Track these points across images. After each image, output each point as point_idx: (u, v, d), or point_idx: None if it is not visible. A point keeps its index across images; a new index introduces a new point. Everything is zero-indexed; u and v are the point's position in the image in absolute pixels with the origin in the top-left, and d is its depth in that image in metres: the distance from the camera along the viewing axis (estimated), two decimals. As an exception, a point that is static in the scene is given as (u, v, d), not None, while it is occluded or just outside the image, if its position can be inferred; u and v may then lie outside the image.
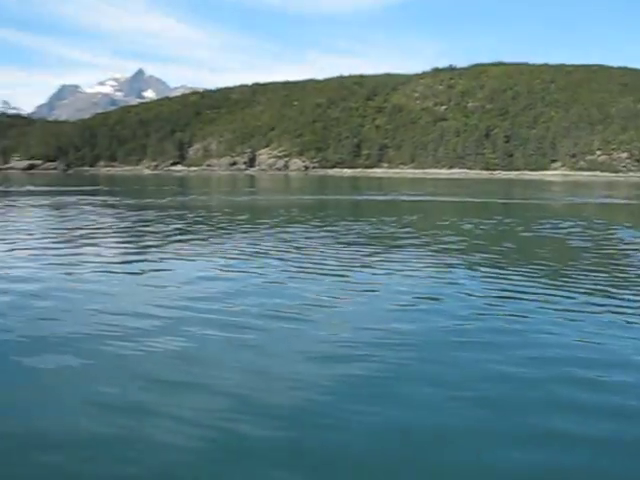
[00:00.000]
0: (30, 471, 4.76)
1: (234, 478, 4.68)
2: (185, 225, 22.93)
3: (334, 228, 22.02)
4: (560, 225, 23.74)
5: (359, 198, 47.19)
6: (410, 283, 11.77)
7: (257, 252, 15.53)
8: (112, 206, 33.29)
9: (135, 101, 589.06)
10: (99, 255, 15.06)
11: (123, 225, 23.20)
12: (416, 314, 9.37)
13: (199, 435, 5.31)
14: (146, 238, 18.82)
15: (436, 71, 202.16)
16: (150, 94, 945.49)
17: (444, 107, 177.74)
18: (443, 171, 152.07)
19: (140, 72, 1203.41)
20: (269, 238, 18.73)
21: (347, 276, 12.41)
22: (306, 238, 18.75)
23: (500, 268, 13.57)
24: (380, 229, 22.00)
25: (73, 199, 39.33)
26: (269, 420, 5.60)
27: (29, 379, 6.68)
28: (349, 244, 17.54)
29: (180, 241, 17.97)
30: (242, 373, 6.73)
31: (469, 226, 23.30)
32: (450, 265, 14.02)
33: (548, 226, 23.40)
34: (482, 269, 13.50)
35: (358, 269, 13.37)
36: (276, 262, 14.05)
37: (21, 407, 5.94)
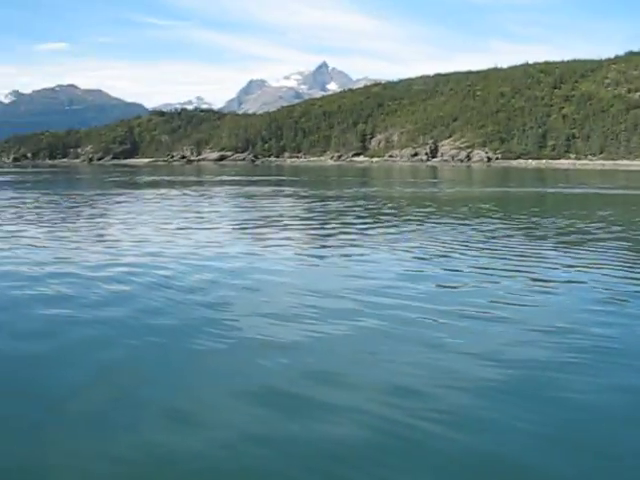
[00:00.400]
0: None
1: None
2: (372, 216, 23.87)
3: (526, 223, 22.13)
4: None
5: (549, 191, 46.26)
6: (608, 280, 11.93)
7: (443, 247, 16.09)
8: (302, 197, 35.14)
9: (319, 94, 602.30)
10: (290, 241, 16.40)
11: (311, 214, 24.69)
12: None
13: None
14: (343, 229, 19.93)
15: (630, 55, 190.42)
16: (333, 86, 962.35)
17: (639, 94, 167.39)
18: (636, 162, 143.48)
19: (323, 65, 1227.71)
20: (453, 232, 19.23)
21: (542, 274, 12.75)
22: (497, 233, 19.10)
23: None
24: (572, 223, 21.86)
25: (267, 189, 41.82)
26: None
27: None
28: (542, 239, 17.76)
29: (367, 233, 18.83)
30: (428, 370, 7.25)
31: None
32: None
33: None
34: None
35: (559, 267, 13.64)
36: (461, 258, 14.44)
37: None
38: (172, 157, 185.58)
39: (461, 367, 6.96)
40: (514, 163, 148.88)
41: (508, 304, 9.72)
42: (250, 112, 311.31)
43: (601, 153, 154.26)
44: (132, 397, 6.24)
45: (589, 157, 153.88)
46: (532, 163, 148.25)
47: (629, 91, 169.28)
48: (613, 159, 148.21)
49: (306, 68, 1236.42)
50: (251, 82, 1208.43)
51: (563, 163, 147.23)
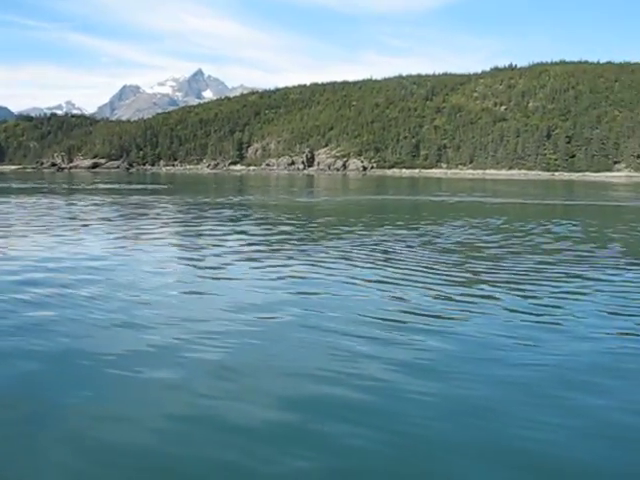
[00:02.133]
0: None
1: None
2: (246, 225, 23.28)
3: (403, 231, 22.22)
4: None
5: (426, 199, 47.20)
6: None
7: (325, 257, 15.79)
8: (179, 204, 34.19)
9: (194, 101, 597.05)
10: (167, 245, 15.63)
11: (186, 221, 23.89)
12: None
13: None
14: (209, 237, 19.27)
15: (496, 70, 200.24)
16: (209, 94, 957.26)
17: (504, 107, 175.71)
18: (503, 172, 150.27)
19: (199, 72, 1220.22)
20: (331, 241, 19.02)
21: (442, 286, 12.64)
22: (370, 239, 19.02)
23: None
24: (442, 232, 22.10)
25: (145, 198, 40.47)
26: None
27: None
28: (431, 249, 17.76)
29: (239, 242, 18.22)
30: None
31: (556, 228, 23.26)
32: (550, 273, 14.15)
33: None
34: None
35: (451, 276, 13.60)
36: (336, 266, 14.19)
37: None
38: (42, 164, 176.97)
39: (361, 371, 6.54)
40: (389, 172, 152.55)
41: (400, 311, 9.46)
42: (124, 118, 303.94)
43: (471, 163, 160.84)
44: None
45: (459, 166, 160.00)
46: (406, 172, 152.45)
47: (495, 104, 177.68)
48: (482, 168, 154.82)
49: (181, 75, 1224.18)
50: (124, 88, 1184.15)
51: (435, 172, 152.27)
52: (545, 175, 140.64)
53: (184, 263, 14.10)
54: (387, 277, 12.37)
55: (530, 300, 10.34)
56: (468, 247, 17.49)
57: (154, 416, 5.74)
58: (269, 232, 20.84)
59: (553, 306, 9.91)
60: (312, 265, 13.75)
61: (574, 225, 24.57)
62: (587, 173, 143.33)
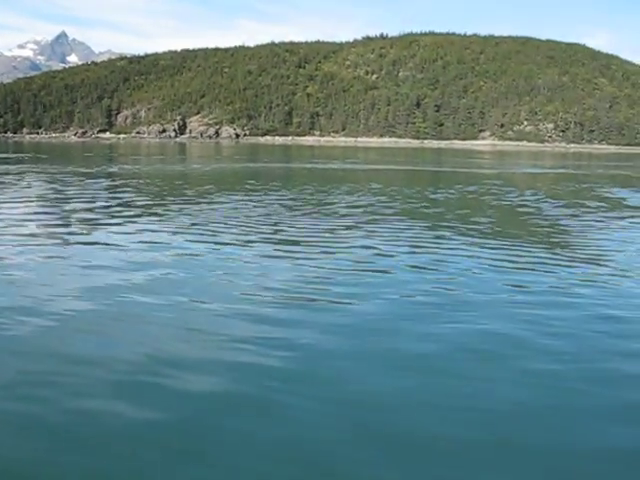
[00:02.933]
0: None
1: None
2: (117, 196, 22.63)
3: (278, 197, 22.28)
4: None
5: (302, 166, 47.41)
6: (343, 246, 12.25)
7: (198, 223, 15.71)
8: (48, 174, 32.74)
9: (58, 66, 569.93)
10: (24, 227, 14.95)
11: (52, 194, 22.91)
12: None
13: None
14: (82, 210, 18.71)
15: (367, 40, 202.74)
16: (74, 58, 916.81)
17: (375, 76, 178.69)
18: (374, 139, 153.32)
19: (63, 35, 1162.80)
20: (203, 209, 18.92)
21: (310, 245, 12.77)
22: (241, 206, 19.04)
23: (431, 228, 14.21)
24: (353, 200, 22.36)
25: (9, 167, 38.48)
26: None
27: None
28: (303, 214, 17.91)
29: (112, 214, 17.78)
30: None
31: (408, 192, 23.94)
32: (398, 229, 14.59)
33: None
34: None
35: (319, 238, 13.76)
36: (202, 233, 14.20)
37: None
38: None
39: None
40: (262, 140, 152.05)
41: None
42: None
43: (343, 130, 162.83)
44: None
45: (332, 134, 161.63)
46: (279, 140, 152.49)
47: (367, 73, 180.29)
48: (354, 136, 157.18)
49: (43, 37, 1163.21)
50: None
51: (308, 140, 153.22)
52: (415, 143, 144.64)
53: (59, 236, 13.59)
54: (272, 243, 12.43)
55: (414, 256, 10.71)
56: (355, 213, 17.81)
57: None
58: (141, 200, 20.39)
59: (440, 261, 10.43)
60: (182, 232, 13.63)
61: (449, 192, 25.50)
62: (455, 141, 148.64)
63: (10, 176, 29.61)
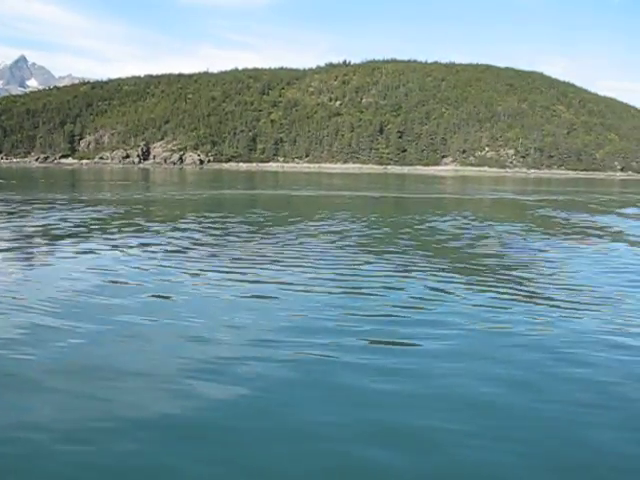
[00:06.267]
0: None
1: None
2: (75, 223, 22.76)
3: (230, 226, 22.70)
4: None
5: (265, 192, 47.85)
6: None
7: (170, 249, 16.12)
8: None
9: (17, 90, 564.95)
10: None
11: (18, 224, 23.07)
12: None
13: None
14: (34, 238, 18.92)
15: (330, 66, 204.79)
16: (33, 83, 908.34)
17: (339, 102, 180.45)
18: (338, 165, 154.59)
19: (22, 59, 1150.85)
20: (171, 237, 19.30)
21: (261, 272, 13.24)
22: (204, 239, 19.43)
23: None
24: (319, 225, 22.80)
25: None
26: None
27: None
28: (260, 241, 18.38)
29: (67, 238, 18.12)
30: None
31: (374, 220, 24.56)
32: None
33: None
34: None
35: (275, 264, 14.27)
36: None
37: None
38: None
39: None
40: (226, 166, 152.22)
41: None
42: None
43: (307, 156, 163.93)
44: None
45: (296, 160, 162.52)
46: (243, 166, 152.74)
47: (330, 99, 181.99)
48: (318, 162, 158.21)
49: (2, 61, 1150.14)
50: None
51: (272, 166, 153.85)
52: (378, 168, 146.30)
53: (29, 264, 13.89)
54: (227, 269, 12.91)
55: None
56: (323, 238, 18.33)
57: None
58: (103, 226, 20.67)
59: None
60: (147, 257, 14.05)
61: (418, 219, 26.19)
62: (418, 167, 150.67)
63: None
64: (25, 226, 21.62)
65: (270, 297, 10.87)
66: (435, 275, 13.14)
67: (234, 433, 5.83)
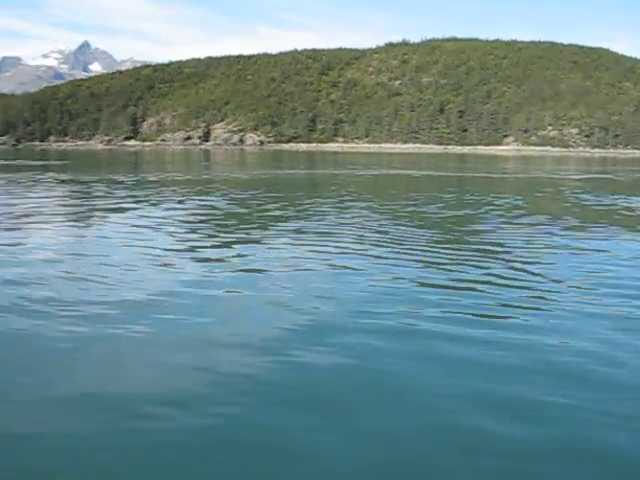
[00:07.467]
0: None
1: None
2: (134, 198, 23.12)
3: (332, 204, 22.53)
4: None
5: (340, 172, 47.67)
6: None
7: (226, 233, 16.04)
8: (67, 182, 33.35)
9: (81, 74, 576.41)
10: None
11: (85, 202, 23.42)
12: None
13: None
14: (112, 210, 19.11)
15: (390, 46, 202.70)
16: (96, 67, 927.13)
17: (398, 82, 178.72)
18: (397, 145, 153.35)
19: (85, 44, 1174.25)
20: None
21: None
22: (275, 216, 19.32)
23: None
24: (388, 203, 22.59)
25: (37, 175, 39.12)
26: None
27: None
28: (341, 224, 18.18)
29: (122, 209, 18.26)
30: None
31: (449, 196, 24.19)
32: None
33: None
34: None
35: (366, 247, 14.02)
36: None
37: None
38: None
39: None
40: (285, 146, 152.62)
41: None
42: (5, 92, 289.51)
43: (367, 137, 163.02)
44: None
45: (355, 140, 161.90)
46: (303, 147, 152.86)
47: (390, 79, 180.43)
48: (377, 142, 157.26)
49: (66, 47, 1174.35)
50: (4, 59, 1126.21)
51: (332, 146, 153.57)
52: (439, 148, 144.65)
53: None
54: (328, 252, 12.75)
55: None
56: (414, 218, 18.08)
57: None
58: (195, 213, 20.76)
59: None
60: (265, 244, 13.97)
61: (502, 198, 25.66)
62: (478, 147, 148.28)
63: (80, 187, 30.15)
64: (119, 209, 21.92)
65: (360, 269, 10.73)
66: (534, 252, 12.75)
67: (345, 402, 5.70)
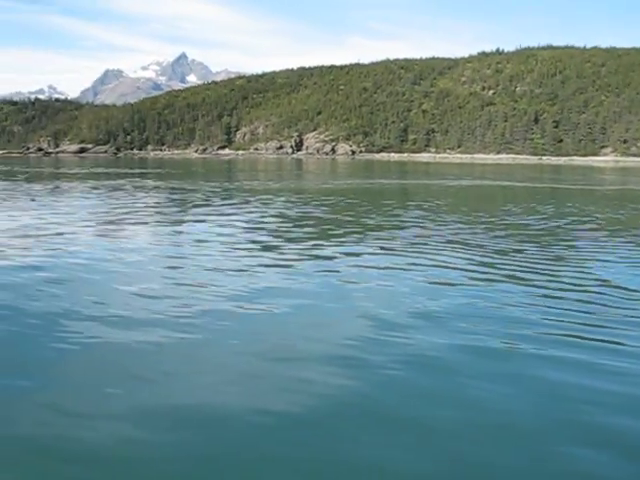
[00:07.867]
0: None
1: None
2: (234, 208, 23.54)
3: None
4: None
5: (438, 182, 47.47)
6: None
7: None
8: (170, 189, 34.34)
9: (178, 85, 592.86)
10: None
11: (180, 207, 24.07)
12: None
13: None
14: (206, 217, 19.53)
15: (483, 55, 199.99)
16: (193, 78, 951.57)
17: (492, 91, 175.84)
18: (490, 156, 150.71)
19: (182, 56, 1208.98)
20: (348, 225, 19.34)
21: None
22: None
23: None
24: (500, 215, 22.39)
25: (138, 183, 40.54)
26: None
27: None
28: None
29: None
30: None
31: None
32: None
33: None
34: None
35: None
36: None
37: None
38: (27, 149, 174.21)
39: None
40: (377, 156, 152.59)
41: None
42: (107, 103, 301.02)
43: (459, 147, 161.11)
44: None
45: (448, 151, 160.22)
46: (394, 156, 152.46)
47: (483, 89, 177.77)
48: (470, 153, 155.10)
49: (164, 59, 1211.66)
50: (107, 72, 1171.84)
51: (424, 156, 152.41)
52: (533, 159, 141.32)
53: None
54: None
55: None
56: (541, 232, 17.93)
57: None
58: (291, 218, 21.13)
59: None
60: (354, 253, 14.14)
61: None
62: (574, 157, 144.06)
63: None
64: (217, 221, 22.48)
65: (455, 284, 10.50)
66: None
67: (443, 429, 5.46)
